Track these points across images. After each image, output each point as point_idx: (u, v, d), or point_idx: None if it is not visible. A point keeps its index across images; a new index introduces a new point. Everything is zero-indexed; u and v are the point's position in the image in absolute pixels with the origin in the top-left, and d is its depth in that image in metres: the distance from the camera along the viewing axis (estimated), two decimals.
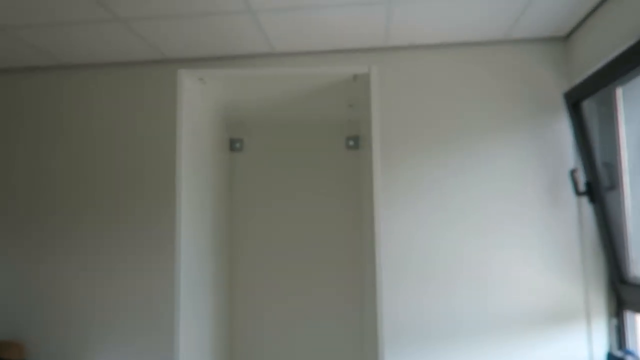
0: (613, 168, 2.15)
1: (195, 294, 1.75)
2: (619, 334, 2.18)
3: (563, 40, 2.36)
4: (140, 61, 2.56)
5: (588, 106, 2.23)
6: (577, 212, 2.29)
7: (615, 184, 2.15)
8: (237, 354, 2.34)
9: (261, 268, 2.38)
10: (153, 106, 2.54)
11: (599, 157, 2.20)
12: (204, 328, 1.87)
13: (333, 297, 2.36)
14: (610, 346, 2.20)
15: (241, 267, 2.38)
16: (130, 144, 2.53)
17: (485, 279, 2.29)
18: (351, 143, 2.38)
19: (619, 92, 2.13)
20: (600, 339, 2.21)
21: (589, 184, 2.19)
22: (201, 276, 1.87)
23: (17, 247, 2.55)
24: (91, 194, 2.53)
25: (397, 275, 2.31)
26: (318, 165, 2.40)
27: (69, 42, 2.30)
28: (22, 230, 2.56)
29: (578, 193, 2.24)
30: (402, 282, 2.31)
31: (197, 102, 1.81)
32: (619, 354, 2.15)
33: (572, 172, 2.25)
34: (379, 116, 2.35)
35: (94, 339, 2.45)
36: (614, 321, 2.20)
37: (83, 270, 2.49)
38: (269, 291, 2.37)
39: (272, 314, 2.36)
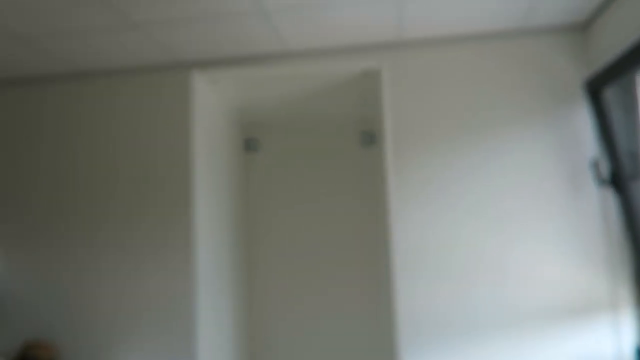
0: (636, 157, 2.10)
1: (213, 294, 1.77)
2: None
3: (581, 29, 2.31)
4: (155, 65, 2.59)
5: (609, 95, 2.18)
6: (600, 204, 2.23)
7: (638, 173, 2.09)
8: (257, 351, 2.36)
9: (278, 267, 2.40)
10: (169, 109, 2.56)
11: (621, 146, 2.15)
12: (223, 328, 1.90)
13: (351, 296, 2.36)
14: None
15: (259, 266, 2.41)
16: (147, 146, 2.56)
17: (505, 274, 2.26)
18: (366, 139, 2.37)
19: None
20: (628, 332, 2.16)
21: (613, 174, 2.14)
22: (219, 276, 1.89)
23: (43, 250, 2.62)
24: (111, 198, 2.57)
25: (415, 272, 2.29)
26: (333, 163, 2.40)
27: (85, 49, 2.35)
28: (48, 234, 2.62)
29: (601, 183, 2.19)
30: (420, 279, 2.29)
31: (210, 103, 1.83)
32: None
33: (594, 163, 2.20)
34: (391, 112, 2.33)
35: (118, 339, 2.50)
36: None
37: (105, 272, 2.54)
38: (287, 290, 2.39)
39: (291, 314, 2.38)
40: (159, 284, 2.48)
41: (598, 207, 2.23)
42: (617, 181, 2.13)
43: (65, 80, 2.69)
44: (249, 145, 2.43)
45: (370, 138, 2.37)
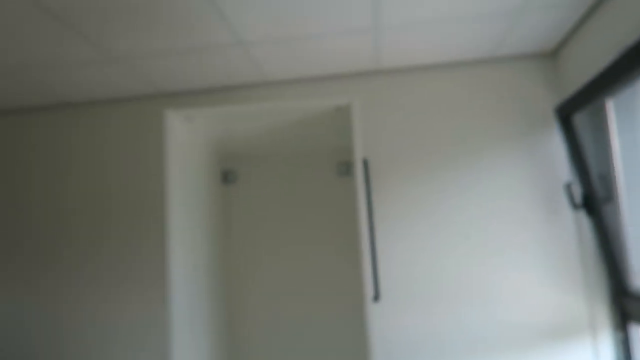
0: (608, 179, 2.14)
1: (190, 326, 1.77)
2: (626, 348, 2.15)
3: (551, 56, 2.37)
4: (135, 96, 2.62)
5: (579, 119, 2.23)
6: (575, 226, 2.27)
7: (611, 195, 2.14)
8: None
9: (259, 298, 2.40)
10: (147, 140, 2.58)
11: (593, 169, 2.19)
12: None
13: (335, 327, 2.36)
14: None
15: (239, 297, 2.40)
16: (124, 178, 2.58)
17: (488, 297, 2.28)
18: (342, 170, 2.41)
19: (610, 103, 2.12)
20: (607, 353, 2.18)
21: (586, 197, 2.18)
22: (197, 307, 1.89)
23: (14, 280, 2.61)
24: (84, 229, 2.58)
25: (400, 298, 2.31)
26: (311, 193, 2.42)
27: (66, 81, 2.37)
28: (17, 265, 2.62)
29: (574, 206, 2.23)
30: (405, 305, 2.30)
31: (186, 138, 1.86)
32: None
33: (567, 186, 2.24)
34: (368, 141, 2.37)
35: None
36: (620, 334, 2.17)
37: (79, 302, 2.53)
38: (267, 323, 2.38)
39: (270, 347, 2.37)
40: (134, 315, 2.47)
41: (574, 229, 2.27)
42: (590, 204, 2.17)
43: (45, 111, 2.71)
44: (227, 177, 2.46)
45: (347, 168, 2.40)
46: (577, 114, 2.20)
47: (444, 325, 2.28)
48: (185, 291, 1.75)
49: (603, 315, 2.20)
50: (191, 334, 1.77)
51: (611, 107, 2.12)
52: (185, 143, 1.84)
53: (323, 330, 2.35)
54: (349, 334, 2.34)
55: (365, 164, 2.33)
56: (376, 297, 2.29)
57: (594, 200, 2.14)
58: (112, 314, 2.50)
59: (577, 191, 2.24)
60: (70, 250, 2.57)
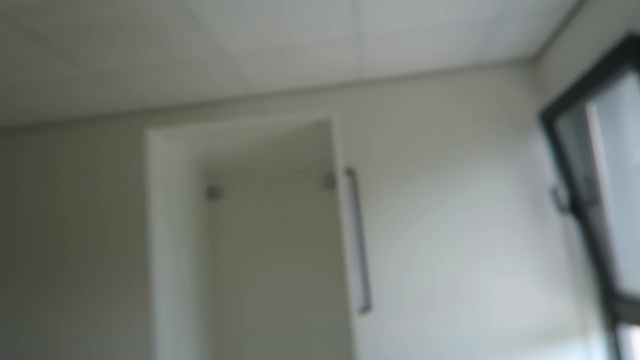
0: (593, 182, 2.15)
1: (176, 342, 1.76)
2: (616, 349, 2.16)
3: (532, 61, 2.39)
4: (118, 113, 2.61)
5: (562, 124, 2.25)
6: (562, 230, 2.28)
7: (596, 198, 2.15)
8: None
9: (246, 314, 2.38)
10: (128, 157, 2.57)
11: (578, 172, 2.21)
12: None
13: (325, 339, 2.35)
14: None
15: (225, 312, 2.38)
16: (106, 195, 2.57)
17: (478, 303, 2.28)
18: (328, 182, 2.40)
19: (592, 107, 2.14)
20: (598, 355, 2.18)
21: (571, 200, 2.19)
22: (183, 323, 1.88)
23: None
24: (66, 248, 2.56)
25: (392, 308, 2.31)
26: (297, 206, 2.41)
27: (46, 100, 2.36)
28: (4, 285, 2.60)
29: (561, 210, 2.23)
30: (397, 314, 2.30)
31: (169, 156, 1.85)
32: None
33: (553, 190, 2.25)
34: (352, 152, 2.38)
35: None
36: (610, 336, 2.18)
37: (64, 321, 2.51)
38: (255, 337, 2.37)
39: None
40: (118, 332, 2.45)
41: (561, 233, 2.28)
42: (576, 207, 2.18)
43: (30, 131, 2.70)
44: (212, 192, 2.45)
45: (333, 181, 2.40)
46: (560, 118, 2.21)
47: (436, 332, 2.28)
48: (170, 307, 1.74)
49: (593, 318, 2.21)
50: (176, 351, 1.76)
51: (593, 110, 2.14)
52: (169, 160, 1.83)
53: (312, 343, 2.34)
54: (340, 346, 2.33)
55: (353, 174, 2.33)
56: (367, 308, 2.28)
57: (580, 203, 2.15)
58: (95, 331, 2.48)
59: (563, 195, 2.25)
60: (59, 272, 2.55)
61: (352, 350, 1.79)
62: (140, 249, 2.48)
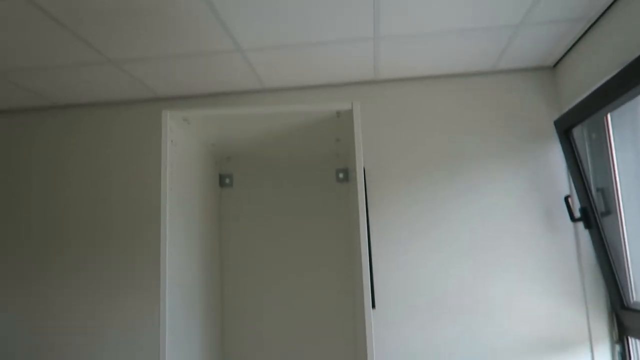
0: (608, 193, 2.13)
1: (183, 337, 1.73)
2: None
3: (551, 70, 2.38)
4: (132, 100, 2.60)
5: (579, 133, 2.23)
6: (575, 239, 2.26)
7: (611, 209, 2.13)
8: None
9: (253, 305, 2.35)
10: (143, 144, 2.56)
11: (593, 182, 2.19)
12: None
13: (329, 337, 2.31)
14: None
15: (233, 300, 2.35)
16: (120, 181, 2.55)
17: (483, 309, 2.25)
18: (341, 176, 2.38)
19: (609, 118, 2.12)
20: None
21: (584, 210, 2.17)
22: (190, 314, 1.85)
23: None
24: (75, 233, 2.53)
25: (398, 311, 2.28)
26: (309, 199, 2.39)
27: (60, 84, 2.34)
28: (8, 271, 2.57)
29: (573, 219, 2.21)
30: (402, 317, 2.27)
31: (183, 141, 1.83)
32: None
33: (567, 199, 2.23)
34: (362, 151, 2.36)
35: None
36: (618, 348, 2.15)
37: (71, 308, 2.48)
38: (262, 330, 2.34)
39: (265, 354, 2.32)
40: (127, 320, 2.42)
41: (573, 242, 2.25)
42: (589, 217, 2.15)
43: (44, 112, 2.68)
44: (224, 180, 2.43)
45: (345, 175, 2.38)
46: (577, 127, 2.20)
47: (444, 338, 2.24)
48: (180, 295, 1.71)
49: (602, 329, 2.18)
50: (184, 340, 1.73)
51: (611, 121, 2.12)
52: (183, 144, 1.81)
53: (320, 338, 2.31)
54: (348, 343, 2.29)
55: (364, 173, 2.32)
56: (372, 306, 2.25)
57: (593, 213, 2.13)
58: (104, 319, 2.44)
59: (577, 204, 2.22)
60: (64, 256, 2.52)
61: (360, 346, 1.76)
62: (150, 234, 2.46)
